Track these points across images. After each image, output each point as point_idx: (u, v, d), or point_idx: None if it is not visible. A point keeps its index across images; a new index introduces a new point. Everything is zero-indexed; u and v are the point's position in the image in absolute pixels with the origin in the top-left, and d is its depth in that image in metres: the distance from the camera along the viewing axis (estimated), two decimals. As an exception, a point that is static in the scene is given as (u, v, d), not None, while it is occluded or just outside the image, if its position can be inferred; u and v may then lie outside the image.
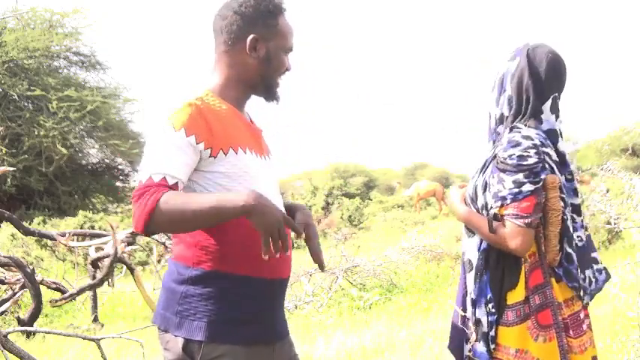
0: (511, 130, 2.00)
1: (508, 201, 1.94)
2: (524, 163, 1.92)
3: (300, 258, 9.79)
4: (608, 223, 4.43)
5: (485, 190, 2.03)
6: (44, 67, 23.41)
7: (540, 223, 1.99)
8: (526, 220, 1.93)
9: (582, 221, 2.09)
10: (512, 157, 1.93)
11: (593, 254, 2.13)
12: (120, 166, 26.04)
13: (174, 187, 1.73)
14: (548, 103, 2.03)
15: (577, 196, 2.07)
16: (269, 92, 1.97)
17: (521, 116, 2.03)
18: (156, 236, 7.83)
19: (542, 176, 1.94)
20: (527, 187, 1.92)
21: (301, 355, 4.73)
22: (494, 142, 2.11)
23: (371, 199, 29.45)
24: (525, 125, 2.01)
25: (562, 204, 2.00)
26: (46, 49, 22.82)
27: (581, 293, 2.04)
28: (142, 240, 8.81)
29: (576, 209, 2.06)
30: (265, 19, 1.91)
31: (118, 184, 26.30)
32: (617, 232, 9.58)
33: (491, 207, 1.99)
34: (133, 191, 1.74)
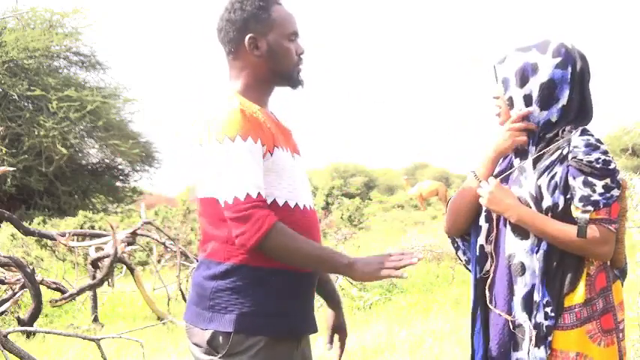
0: (582, 132, 1.97)
1: (601, 205, 1.91)
2: (610, 167, 1.91)
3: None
4: (608, 223, 4.42)
5: (554, 192, 1.97)
6: (44, 67, 23.41)
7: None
8: (616, 225, 1.93)
9: None
10: (599, 160, 1.91)
11: None
12: (120, 166, 26.04)
13: (266, 198, 1.81)
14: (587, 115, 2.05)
15: None
16: (289, 81, 1.99)
17: (579, 120, 2.01)
18: (156, 236, 7.84)
19: (621, 181, 1.96)
20: (615, 193, 1.92)
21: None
22: (538, 146, 2.04)
23: (371, 199, 29.47)
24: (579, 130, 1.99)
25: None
26: (46, 49, 22.83)
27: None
28: (141, 240, 8.81)
29: None
30: (256, 16, 1.92)
31: (118, 184, 26.31)
32: (617, 232, 9.56)
33: (582, 211, 1.93)
34: (233, 207, 1.77)
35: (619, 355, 1.96)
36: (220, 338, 1.82)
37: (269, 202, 1.84)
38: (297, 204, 1.90)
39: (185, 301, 7.19)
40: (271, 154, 1.85)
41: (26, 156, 21.17)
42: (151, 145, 25.63)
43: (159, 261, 10.65)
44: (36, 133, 21.20)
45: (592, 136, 1.96)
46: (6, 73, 21.78)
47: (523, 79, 2.00)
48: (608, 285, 1.97)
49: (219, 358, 1.83)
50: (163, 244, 7.88)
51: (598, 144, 1.93)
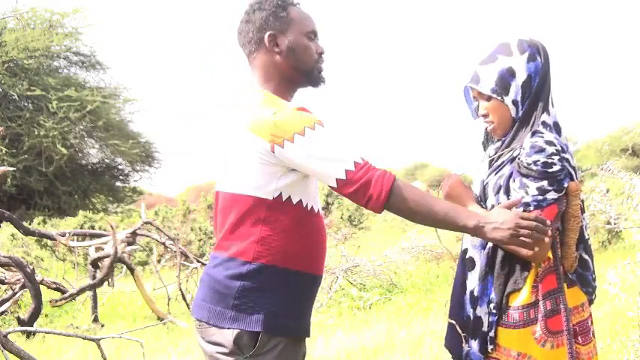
0: (533, 134, 1.95)
1: (531, 207, 1.91)
2: (549, 170, 1.89)
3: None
4: (608, 223, 4.43)
5: (498, 192, 1.99)
6: (44, 67, 23.42)
7: (557, 229, 1.97)
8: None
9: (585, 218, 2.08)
10: (537, 163, 1.89)
11: None
12: (120, 166, 26.06)
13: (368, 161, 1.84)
14: (551, 96, 2.02)
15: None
16: (310, 79, 2.00)
17: (536, 114, 1.99)
18: (156, 236, 7.84)
19: (565, 184, 1.92)
20: (552, 195, 1.90)
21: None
22: (504, 143, 2.06)
23: (371, 199, 29.35)
24: (541, 123, 1.98)
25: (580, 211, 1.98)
26: (46, 49, 22.84)
27: (593, 297, 2.04)
28: (141, 240, 8.82)
29: (581, 207, 2.03)
30: (275, 14, 1.95)
31: (118, 184, 26.33)
32: (617, 232, 9.59)
33: None
34: (349, 181, 1.77)
35: (569, 358, 1.93)
36: (246, 338, 1.83)
37: (294, 202, 1.86)
38: (312, 207, 1.93)
39: (185, 301, 7.20)
40: None
41: (26, 156, 21.18)
42: (150, 145, 25.66)
43: (159, 261, 10.66)
44: (36, 133, 21.20)
45: (542, 137, 1.93)
46: (6, 73, 21.79)
47: (506, 86, 2.00)
48: (558, 287, 1.95)
49: (246, 357, 1.83)
50: (163, 244, 7.88)
51: (545, 146, 1.90)
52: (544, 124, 1.98)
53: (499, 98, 2.01)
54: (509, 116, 2.02)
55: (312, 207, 1.92)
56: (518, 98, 1.99)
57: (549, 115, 2.00)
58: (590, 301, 2.06)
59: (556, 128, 1.99)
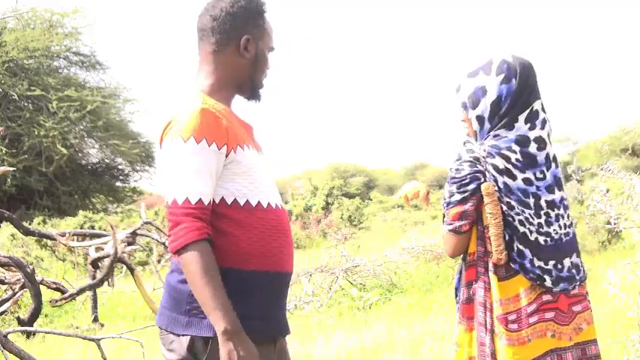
0: (464, 144, 2.18)
1: (445, 209, 2.16)
2: (457, 175, 2.12)
3: (300, 258, 9.79)
4: (608, 223, 4.43)
5: None
6: (44, 67, 23.44)
7: (484, 226, 2.13)
8: (450, 227, 2.13)
9: (561, 216, 2.13)
10: (451, 169, 2.14)
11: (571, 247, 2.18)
12: (120, 166, 26.08)
13: (208, 206, 1.77)
14: (525, 114, 2.11)
15: (552, 192, 2.12)
16: (254, 92, 1.99)
17: (493, 128, 2.13)
18: (156, 236, 7.85)
19: (471, 186, 2.09)
20: (455, 197, 2.12)
21: (301, 355, 4.74)
22: None
23: (371, 199, 29.52)
24: (490, 136, 2.11)
25: (505, 207, 2.08)
26: (46, 49, 22.87)
27: (547, 282, 2.09)
28: (141, 240, 8.82)
29: (551, 205, 2.11)
30: (255, 20, 1.93)
31: (118, 184, 26.35)
32: (617, 232, 9.58)
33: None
34: (171, 209, 1.75)
35: (478, 343, 2.10)
36: (200, 344, 1.77)
37: (241, 203, 1.81)
38: (269, 203, 1.87)
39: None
40: (235, 153, 1.81)
41: (26, 156, 21.19)
42: (151, 145, 25.65)
43: (159, 261, 10.66)
44: (36, 133, 21.22)
45: (464, 146, 2.17)
46: (6, 73, 21.81)
47: (475, 102, 2.15)
48: (476, 278, 2.15)
49: None
50: (163, 244, 7.88)
51: (462, 153, 2.13)
52: (496, 136, 2.11)
53: (465, 112, 2.20)
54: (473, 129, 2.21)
55: (259, 203, 1.85)
56: (485, 115, 2.15)
57: (511, 129, 2.10)
58: (543, 286, 2.10)
59: (518, 140, 2.08)
